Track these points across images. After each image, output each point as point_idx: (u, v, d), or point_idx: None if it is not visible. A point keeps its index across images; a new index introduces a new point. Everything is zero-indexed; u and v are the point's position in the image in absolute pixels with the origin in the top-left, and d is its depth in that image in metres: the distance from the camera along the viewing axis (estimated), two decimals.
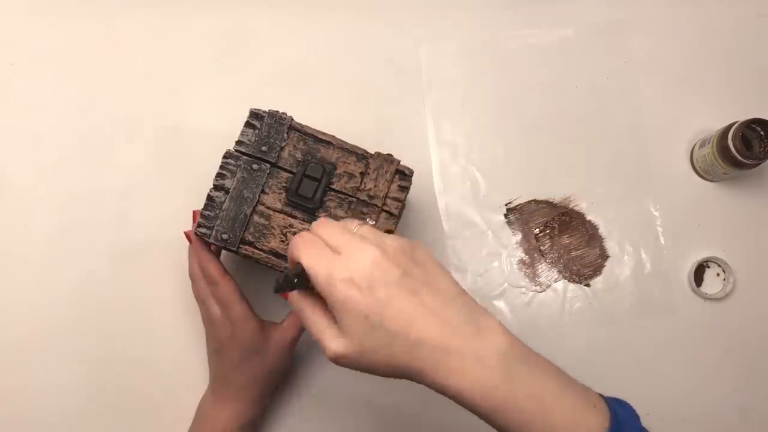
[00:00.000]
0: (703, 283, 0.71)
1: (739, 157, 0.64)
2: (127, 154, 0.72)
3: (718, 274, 0.71)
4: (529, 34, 0.75)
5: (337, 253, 0.44)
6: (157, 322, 0.69)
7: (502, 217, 0.71)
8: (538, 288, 0.71)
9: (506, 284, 0.71)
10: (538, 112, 0.73)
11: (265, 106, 0.61)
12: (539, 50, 0.74)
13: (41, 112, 0.72)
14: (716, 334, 0.70)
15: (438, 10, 0.75)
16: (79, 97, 0.72)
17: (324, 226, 0.47)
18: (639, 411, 0.68)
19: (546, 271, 0.71)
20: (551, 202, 0.72)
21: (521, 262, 0.71)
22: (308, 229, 0.55)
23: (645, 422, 0.68)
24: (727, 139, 0.65)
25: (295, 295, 0.47)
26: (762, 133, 0.65)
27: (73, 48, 0.73)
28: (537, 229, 0.71)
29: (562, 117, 0.73)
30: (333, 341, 0.43)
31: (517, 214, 0.71)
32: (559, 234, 0.71)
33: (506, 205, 0.72)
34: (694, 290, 0.70)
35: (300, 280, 0.44)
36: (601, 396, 0.47)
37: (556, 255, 0.71)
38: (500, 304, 0.70)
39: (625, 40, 0.75)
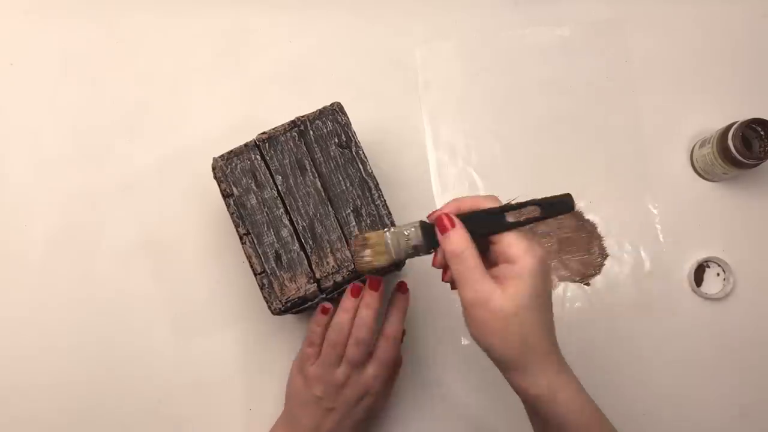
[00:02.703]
0: (703, 283, 0.71)
1: (739, 157, 0.64)
2: (127, 154, 0.72)
3: (718, 274, 0.71)
4: (529, 33, 0.75)
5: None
6: (157, 322, 0.69)
7: None
8: None
9: None
10: (536, 112, 0.73)
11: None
12: (539, 50, 0.74)
13: (41, 112, 0.72)
14: (716, 334, 0.69)
15: (438, 10, 0.75)
16: (79, 97, 0.73)
17: None
18: (638, 410, 0.68)
19: None
20: None
21: None
22: None
23: (644, 422, 0.69)
24: (727, 139, 0.65)
25: (463, 233, 0.48)
26: (762, 133, 0.65)
27: (73, 48, 0.74)
28: (536, 229, 0.71)
29: (561, 117, 0.73)
30: (485, 289, 0.47)
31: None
32: (557, 233, 0.71)
33: None
34: (694, 290, 0.70)
35: (570, 206, 0.48)
36: None
37: (556, 254, 0.71)
38: None
39: (625, 39, 0.74)
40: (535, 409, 0.50)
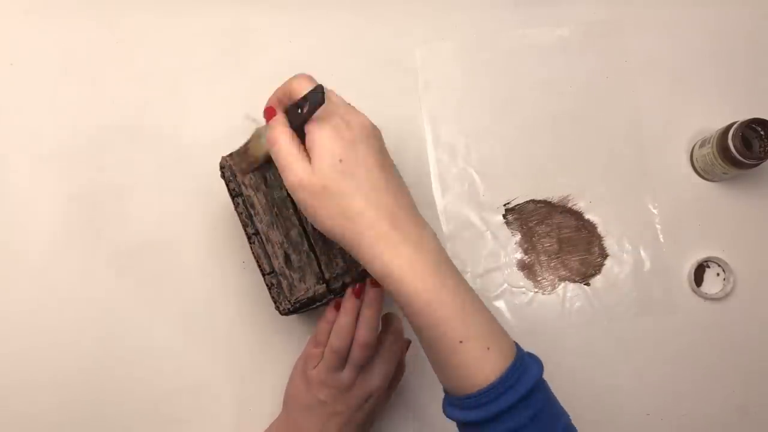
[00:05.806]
0: (703, 283, 0.71)
1: (739, 157, 0.64)
2: (127, 154, 0.72)
3: (718, 274, 0.71)
4: (529, 34, 0.75)
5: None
6: (157, 322, 0.69)
7: (501, 218, 0.71)
8: (537, 288, 0.71)
9: (506, 284, 0.71)
10: (536, 112, 0.73)
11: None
12: (538, 50, 0.74)
13: (41, 112, 0.72)
14: (716, 334, 0.69)
15: (438, 11, 0.75)
16: (79, 97, 0.73)
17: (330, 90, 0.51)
18: (639, 410, 0.69)
19: (545, 271, 0.71)
20: (550, 202, 0.72)
21: (520, 262, 0.71)
22: None
23: (645, 422, 0.69)
24: (727, 139, 0.65)
25: (279, 122, 0.50)
26: (762, 133, 0.65)
27: (73, 48, 0.73)
28: (536, 229, 0.71)
29: (561, 117, 0.73)
30: (300, 168, 0.47)
31: (516, 215, 0.71)
32: (557, 233, 0.71)
33: (505, 205, 0.72)
34: (694, 290, 0.70)
35: (320, 99, 0.47)
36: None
37: (556, 254, 0.71)
38: (500, 304, 0.70)
39: (625, 39, 0.75)
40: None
